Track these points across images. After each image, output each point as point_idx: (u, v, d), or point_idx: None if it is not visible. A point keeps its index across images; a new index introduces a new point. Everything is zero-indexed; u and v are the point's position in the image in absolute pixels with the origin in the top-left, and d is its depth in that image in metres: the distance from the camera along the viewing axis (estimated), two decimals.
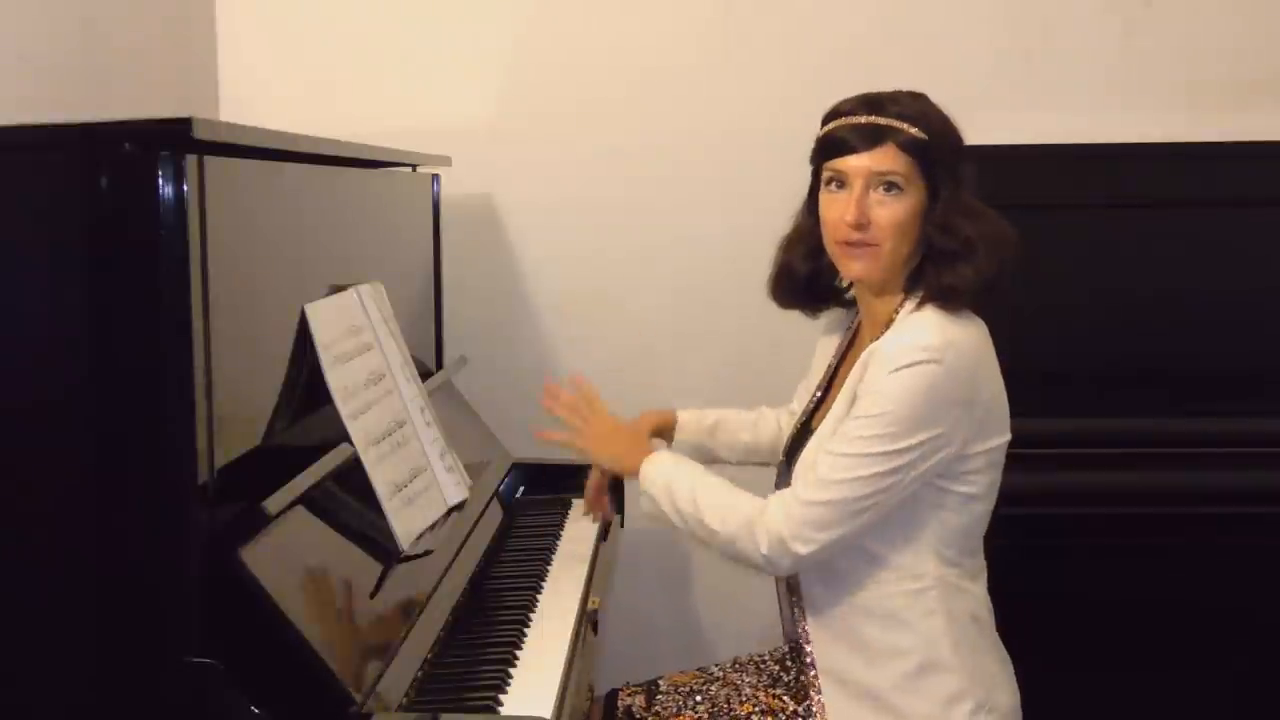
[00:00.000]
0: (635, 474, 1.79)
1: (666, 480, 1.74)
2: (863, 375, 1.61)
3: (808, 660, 1.71)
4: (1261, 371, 2.43)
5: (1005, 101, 2.64)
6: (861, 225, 1.63)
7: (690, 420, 2.04)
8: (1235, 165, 2.48)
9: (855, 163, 1.63)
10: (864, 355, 1.63)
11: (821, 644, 1.70)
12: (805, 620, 1.72)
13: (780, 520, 1.61)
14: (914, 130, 1.62)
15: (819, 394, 1.84)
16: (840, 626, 1.68)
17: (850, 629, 1.67)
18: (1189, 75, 2.68)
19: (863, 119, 1.64)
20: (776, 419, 2.04)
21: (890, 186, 1.62)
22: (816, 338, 1.94)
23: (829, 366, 1.86)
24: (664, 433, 2.03)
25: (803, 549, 1.60)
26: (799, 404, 1.92)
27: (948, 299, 1.62)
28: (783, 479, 1.83)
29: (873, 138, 1.63)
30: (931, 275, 1.64)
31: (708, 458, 2.02)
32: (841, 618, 1.68)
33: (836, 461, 1.59)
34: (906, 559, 1.64)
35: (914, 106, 1.65)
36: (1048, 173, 2.46)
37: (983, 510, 1.68)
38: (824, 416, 1.73)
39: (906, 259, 1.67)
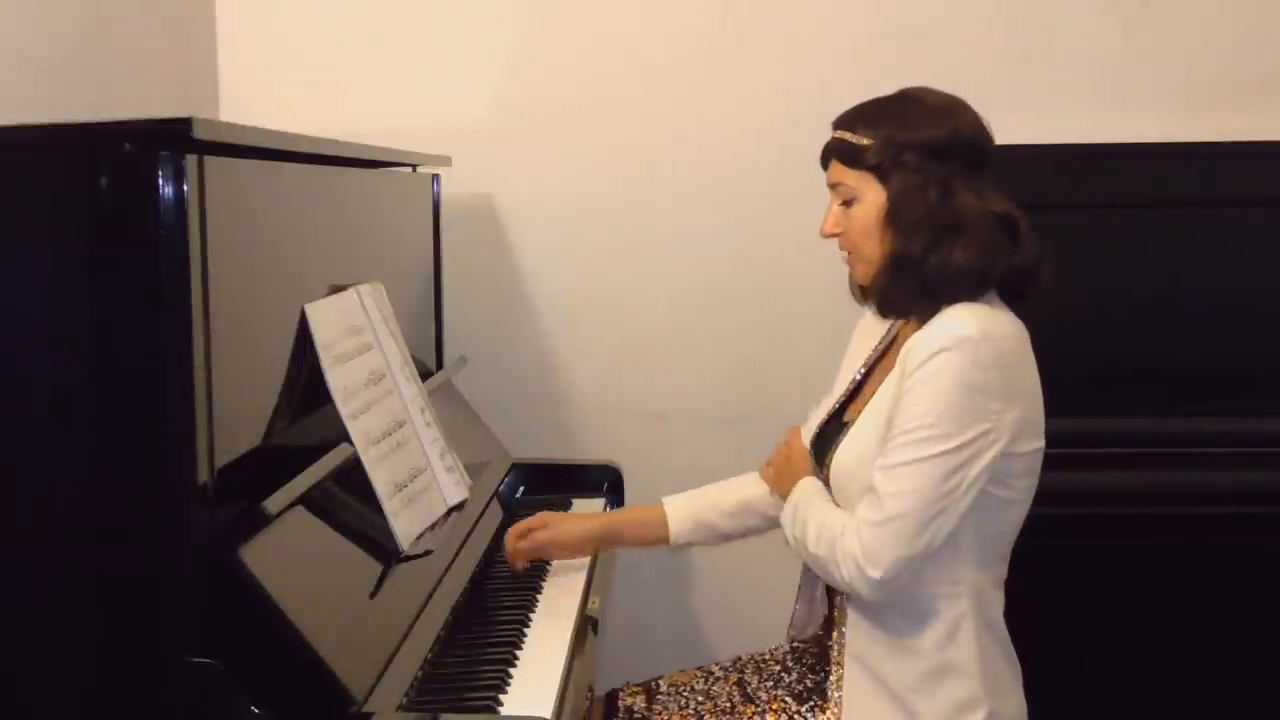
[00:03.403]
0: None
1: (795, 503, 1.72)
2: (901, 372, 1.60)
3: (833, 641, 1.70)
4: (1259, 371, 2.43)
5: (1004, 101, 2.61)
6: (834, 236, 1.70)
7: (680, 501, 1.98)
8: (1233, 165, 2.48)
9: (826, 179, 1.71)
10: (901, 351, 1.62)
11: (855, 626, 1.69)
12: (841, 598, 1.70)
13: (854, 543, 1.59)
14: (854, 138, 1.65)
15: (853, 386, 1.81)
16: (875, 613, 1.67)
17: (884, 619, 1.66)
18: (1187, 75, 2.68)
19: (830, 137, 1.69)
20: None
21: (848, 200, 1.67)
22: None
23: (867, 360, 1.83)
24: (660, 527, 1.97)
25: (876, 573, 1.57)
26: (834, 393, 1.87)
27: (953, 284, 1.61)
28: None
29: (824, 156, 1.71)
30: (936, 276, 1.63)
31: (710, 533, 1.98)
32: (877, 606, 1.66)
33: (892, 474, 1.57)
34: (946, 559, 1.62)
35: (873, 112, 1.67)
36: (1046, 173, 2.45)
37: (1017, 517, 1.67)
38: (859, 409, 1.72)
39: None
